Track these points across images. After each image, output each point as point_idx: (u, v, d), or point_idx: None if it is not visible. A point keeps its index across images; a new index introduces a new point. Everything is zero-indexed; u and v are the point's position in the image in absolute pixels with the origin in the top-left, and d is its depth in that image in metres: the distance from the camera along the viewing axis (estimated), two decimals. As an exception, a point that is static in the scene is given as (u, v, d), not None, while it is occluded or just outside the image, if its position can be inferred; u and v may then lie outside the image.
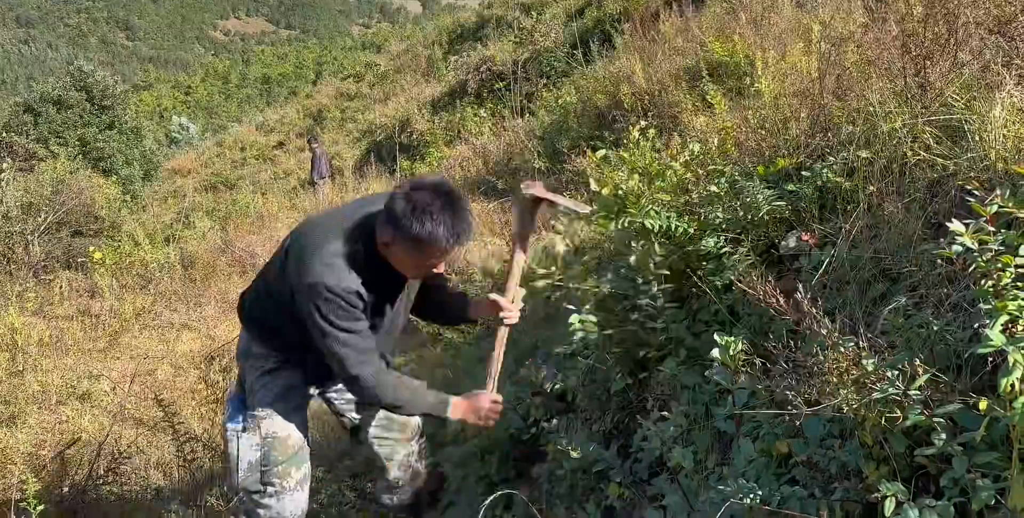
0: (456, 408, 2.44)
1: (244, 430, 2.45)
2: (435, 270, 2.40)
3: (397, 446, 2.84)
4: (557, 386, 3.03)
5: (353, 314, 2.21)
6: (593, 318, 2.74)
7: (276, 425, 2.45)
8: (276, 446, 2.44)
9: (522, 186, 2.42)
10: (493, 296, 2.48)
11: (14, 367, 5.51)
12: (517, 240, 2.48)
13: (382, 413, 2.73)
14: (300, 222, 2.55)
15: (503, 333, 2.52)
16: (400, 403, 2.38)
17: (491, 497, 2.34)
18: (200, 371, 5.34)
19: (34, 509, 3.13)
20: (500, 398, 2.51)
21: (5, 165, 10.04)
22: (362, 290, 2.20)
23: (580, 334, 2.78)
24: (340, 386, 2.68)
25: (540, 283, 2.85)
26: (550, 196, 2.40)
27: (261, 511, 2.46)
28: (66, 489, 3.69)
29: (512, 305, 2.47)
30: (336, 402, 2.79)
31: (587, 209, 2.48)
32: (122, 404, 4.86)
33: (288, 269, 2.28)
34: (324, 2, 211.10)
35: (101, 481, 3.80)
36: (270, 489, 2.44)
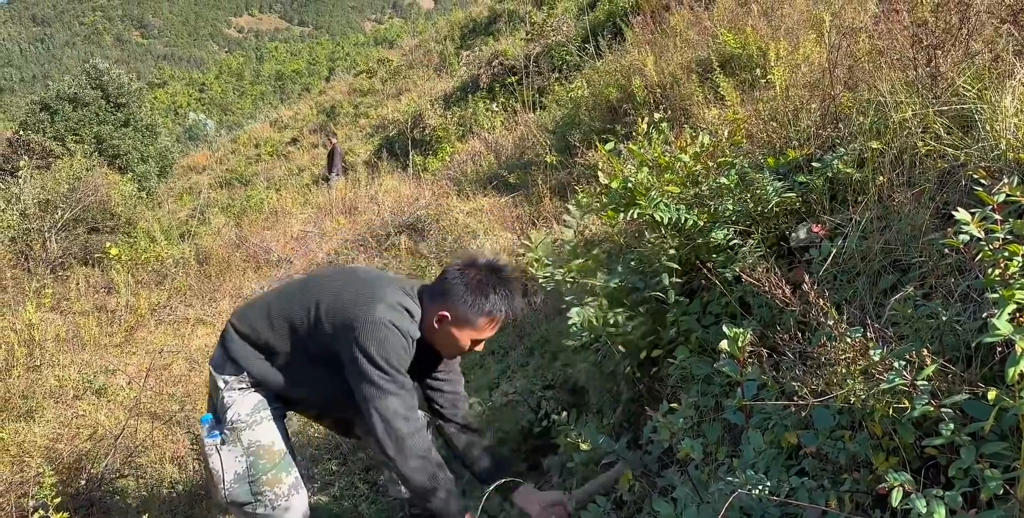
0: None
1: (223, 443, 2.35)
2: (477, 349, 2.38)
3: None
4: (567, 379, 3.03)
5: (406, 363, 2.21)
6: (594, 319, 2.73)
7: (258, 434, 2.36)
8: (262, 454, 2.35)
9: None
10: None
11: (31, 362, 5.56)
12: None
13: None
14: (337, 275, 2.49)
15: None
16: (429, 486, 2.25)
17: (496, 482, 2.35)
18: (215, 366, 5.37)
19: (51, 501, 3.17)
20: None
21: (23, 163, 10.13)
22: (413, 347, 2.23)
23: (582, 327, 2.78)
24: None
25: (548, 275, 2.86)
26: None
27: None
28: (83, 482, 3.73)
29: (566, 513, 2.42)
30: None
31: None
32: (138, 398, 4.91)
33: (339, 309, 2.23)
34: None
35: (117, 474, 3.84)
36: (263, 499, 2.34)
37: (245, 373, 2.38)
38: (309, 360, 2.33)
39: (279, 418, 2.46)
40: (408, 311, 2.24)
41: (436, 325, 2.27)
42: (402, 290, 2.29)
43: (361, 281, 2.34)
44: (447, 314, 2.24)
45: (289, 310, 2.35)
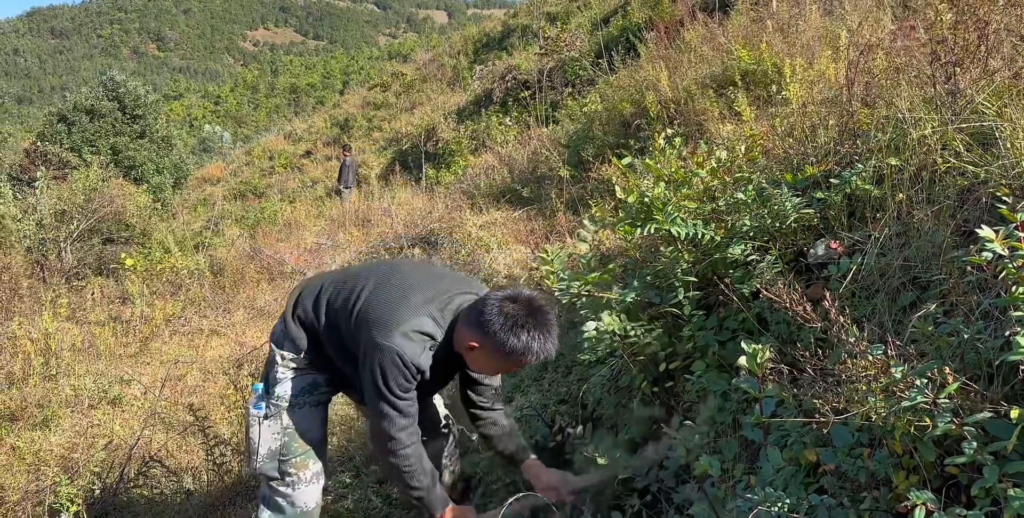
0: (448, 513, 2.47)
1: (266, 417, 2.50)
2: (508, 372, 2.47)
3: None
4: (582, 393, 3.03)
5: (411, 385, 2.29)
6: (613, 327, 2.72)
7: (296, 418, 2.51)
8: (295, 438, 2.50)
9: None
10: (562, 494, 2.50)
11: (47, 371, 5.59)
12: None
13: None
14: (386, 267, 2.61)
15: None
16: (415, 484, 2.40)
17: (512, 498, 2.34)
18: (229, 376, 5.39)
19: (67, 511, 3.19)
20: None
21: (39, 173, 10.23)
22: (428, 372, 2.29)
23: (600, 342, 2.77)
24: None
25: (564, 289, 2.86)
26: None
27: (278, 499, 2.53)
28: (98, 491, 3.74)
29: (565, 497, 2.51)
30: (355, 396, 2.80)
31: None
32: (153, 408, 4.92)
33: (366, 318, 2.30)
34: (352, 13, 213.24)
35: (132, 484, 3.85)
36: (287, 478, 2.51)
37: (303, 352, 2.50)
38: (347, 346, 2.41)
39: (323, 404, 2.59)
40: (428, 335, 2.28)
41: (468, 350, 2.30)
42: (431, 312, 2.31)
43: (396, 290, 2.36)
44: (477, 345, 2.25)
45: (334, 300, 2.45)
